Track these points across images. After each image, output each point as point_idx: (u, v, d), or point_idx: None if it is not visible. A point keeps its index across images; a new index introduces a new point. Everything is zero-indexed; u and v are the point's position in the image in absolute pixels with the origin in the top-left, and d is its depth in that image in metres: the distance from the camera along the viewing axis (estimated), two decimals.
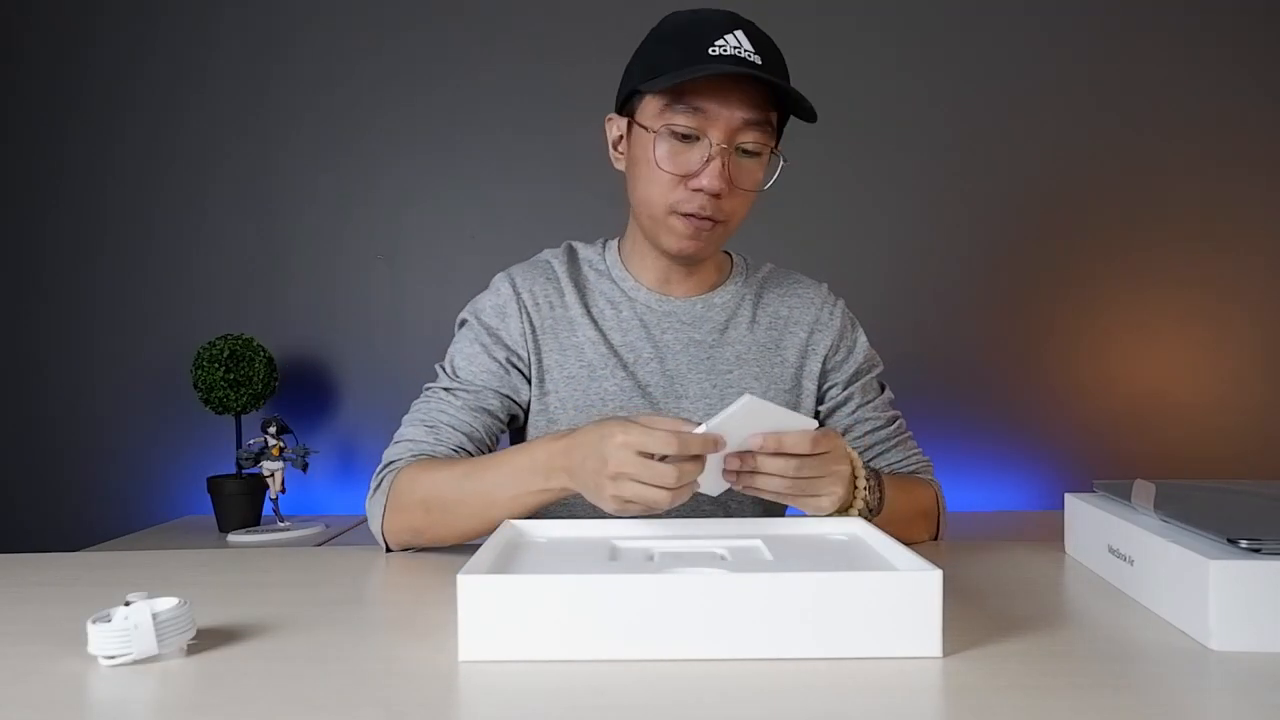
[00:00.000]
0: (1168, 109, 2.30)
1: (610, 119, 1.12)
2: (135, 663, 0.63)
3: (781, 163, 1.06)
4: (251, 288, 2.38)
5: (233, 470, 2.17)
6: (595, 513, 1.11)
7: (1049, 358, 2.34)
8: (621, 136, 1.10)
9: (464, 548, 1.00)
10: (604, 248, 1.19)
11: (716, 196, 1.01)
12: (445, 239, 2.37)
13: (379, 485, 1.03)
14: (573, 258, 1.19)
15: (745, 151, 1.03)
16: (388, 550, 1.03)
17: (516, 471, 0.93)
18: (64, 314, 2.39)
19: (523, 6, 2.34)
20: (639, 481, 0.79)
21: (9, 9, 2.37)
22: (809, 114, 1.02)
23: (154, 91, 2.37)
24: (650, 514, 0.83)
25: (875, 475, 0.99)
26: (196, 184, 2.38)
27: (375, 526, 1.03)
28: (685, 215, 1.03)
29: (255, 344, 2.17)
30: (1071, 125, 2.31)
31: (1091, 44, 2.31)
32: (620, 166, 1.11)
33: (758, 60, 0.98)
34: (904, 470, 1.18)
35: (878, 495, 0.97)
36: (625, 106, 1.08)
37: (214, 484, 2.13)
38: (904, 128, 2.32)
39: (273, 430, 2.03)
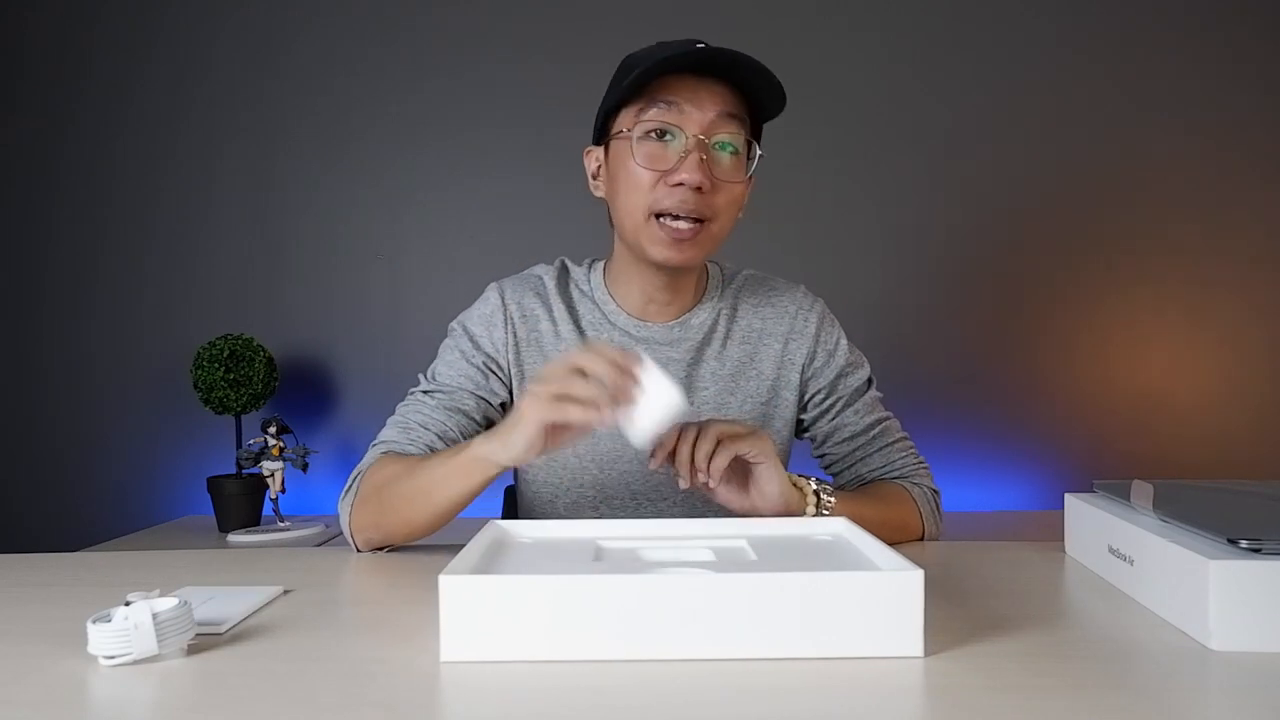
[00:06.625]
0: (1167, 108, 2.30)
1: (589, 151, 1.14)
2: (135, 663, 0.63)
3: (759, 154, 1.07)
4: (251, 288, 2.38)
5: (233, 470, 2.17)
6: (579, 513, 1.13)
7: (1049, 358, 2.34)
8: (600, 165, 1.12)
9: (456, 547, 1.00)
10: (590, 269, 1.20)
11: (698, 191, 1.01)
12: (445, 239, 2.37)
13: (350, 485, 1.06)
14: (563, 275, 1.20)
15: (723, 147, 1.03)
16: (357, 550, 1.04)
17: (454, 455, 0.95)
18: (64, 314, 2.39)
19: (522, 5, 2.34)
20: (561, 392, 0.84)
21: (10, 10, 2.37)
22: (778, 94, 1.03)
23: (154, 91, 2.38)
24: (577, 419, 0.84)
25: (829, 491, 1.02)
26: (196, 184, 2.38)
27: (344, 523, 1.05)
28: (667, 220, 1.03)
29: (255, 344, 2.17)
30: (1071, 124, 2.31)
31: (1091, 43, 2.31)
32: (600, 194, 1.13)
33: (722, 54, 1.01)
34: (889, 476, 1.18)
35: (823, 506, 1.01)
36: (602, 135, 1.11)
37: (214, 484, 2.13)
38: (904, 127, 2.32)
39: (273, 430, 2.03)
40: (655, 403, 0.85)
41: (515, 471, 1.23)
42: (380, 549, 1.04)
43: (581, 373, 0.84)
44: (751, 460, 0.95)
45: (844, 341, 1.20)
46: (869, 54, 2.33)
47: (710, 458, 0.93)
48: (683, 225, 1.02)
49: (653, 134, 1.02)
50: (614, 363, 0.84)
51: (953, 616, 0.73)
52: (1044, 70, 2.31)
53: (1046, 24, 2.31)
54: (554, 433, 0.87)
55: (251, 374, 2.12)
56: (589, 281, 1.18)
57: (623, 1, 2.29)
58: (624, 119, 1.05)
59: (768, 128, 1.11)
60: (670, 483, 1.14)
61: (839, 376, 1.19)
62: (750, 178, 1.10)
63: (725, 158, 1.04)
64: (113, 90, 2.37)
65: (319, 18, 2.36)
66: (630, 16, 2.27)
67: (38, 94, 2.38)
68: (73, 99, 2.38)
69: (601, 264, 1.19)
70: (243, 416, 2.17)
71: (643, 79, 1.01)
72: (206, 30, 2.37)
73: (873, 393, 1.21)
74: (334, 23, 2.36)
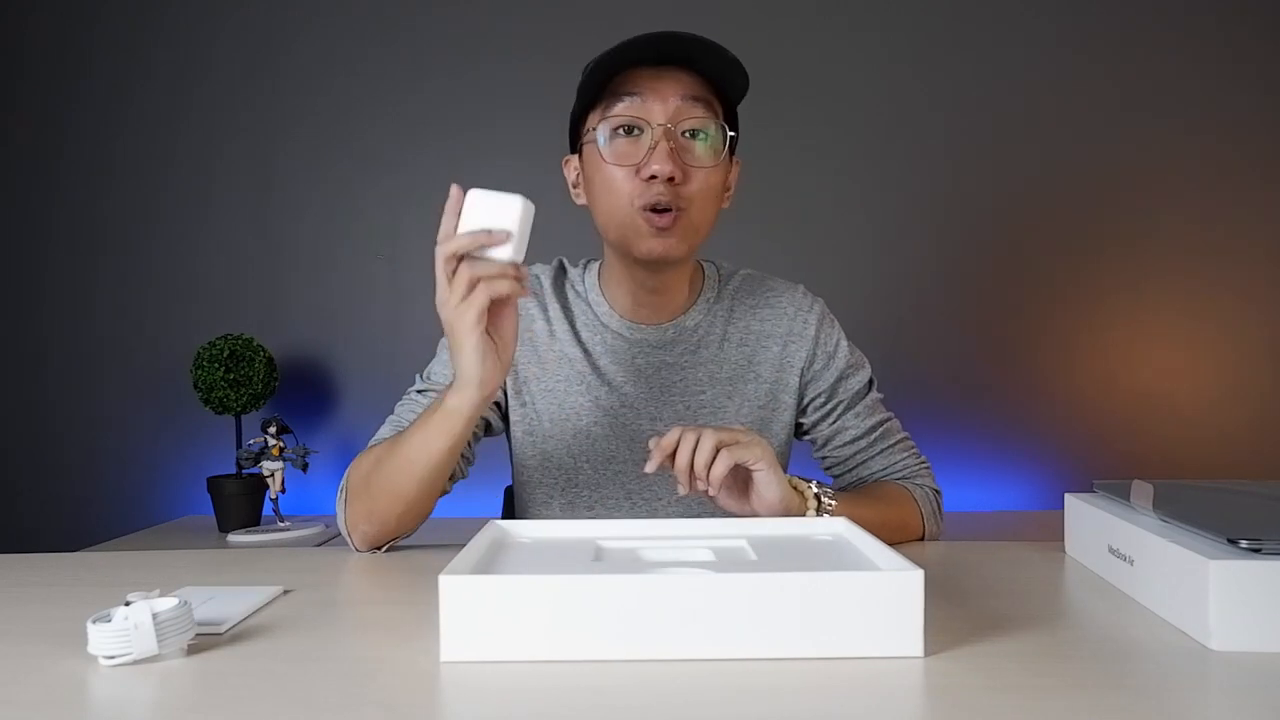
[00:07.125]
0: (1167, 108, 2.30)
1: (566, 161, 1.13)
2: (135, 663, 0.63)
3: (729, 135, 1.05)
4: (251, 288, 2.38)
5: (233, 470, 2.17)
6: (574, 514, 1.14)
7: (1049, 357, 2.33)
8: (578, 173, 1.11)
9: (456, 547, 1.00)
10: (585, 269, 1.19)
11: (671, 181, 1.00)
12: None
13: (342, 485, 1.06)
14: (560, 275, 1.20)
15: (693, 134, 1.03)
16: (356, 550, 1.04)
17: (426, 421, 0.96)
18: (65, 314, 2.39)
19: (522, 5, 2.34)
20: (466, 283, 0.86)
21: (10, 10, 2.37)
22: (739, 71, 1.02)
23: (154, 91, 2.37)
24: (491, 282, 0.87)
25: (830, 495, 1.02)
26: (197, 184, 2.38)
27: (340, 523, 1.05)
28: (646, 212, 1.02)
29: (255, 344, 2.17)
30: (1070, 124, 2.31)
31: (1091, 43, 2.31)
32: (581, 202, 1.12)
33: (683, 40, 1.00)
34: (891, 477, 1.17)
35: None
36: (576, 143, 1.10)
37: (214, 484, 2.13)
38: (903, 127, 2.32)
39: (273, 430, 2.03)
40: (506, 213, 0.89)
41: (512, 472, 1.22)
42: (379, 547, 1.04)
43: (455, 259, 0.87)
44: (751, 467, 0.95)
45: (844, 343, 1.19)
46: (869, 54, 2.33)
47: (709, 465, 0.92)
48: (660, 216, 1.02)
49: (620, 130, 1.02)
50: (453, 235, 0.88)
51: (953, 616, 0.73)
52: (1044, 70, 2.31)
53: (1046, 24, 2.31)
54: (493, 326, 0.90)
55: (251, 374, 2.12)
56: (583, 282, 1.18)
57: (623, 2, 2.29)
58: (591, 121, 1.05)
59: (770, 128, 1.11)
60: (666, 483, 1.14)
61: (839, 379, 1.18)
62: (735, 161, 1.10)
63: (696, 145, 1.03)
64: (113, 90, 2.37)
65: (319, 18, 2.36)
66: (630, 17, 2.27)
67: (38, 94, 2.38)
68: (73, 99, 2.38)
69: (597, 265, 1.19)
70: (243, 416, 2.17)
71: (599, 76, 1.01)
72: (206, 30, 2.37)
73: (874, 394, 1.20)
74: (334, 23, 2.36)
